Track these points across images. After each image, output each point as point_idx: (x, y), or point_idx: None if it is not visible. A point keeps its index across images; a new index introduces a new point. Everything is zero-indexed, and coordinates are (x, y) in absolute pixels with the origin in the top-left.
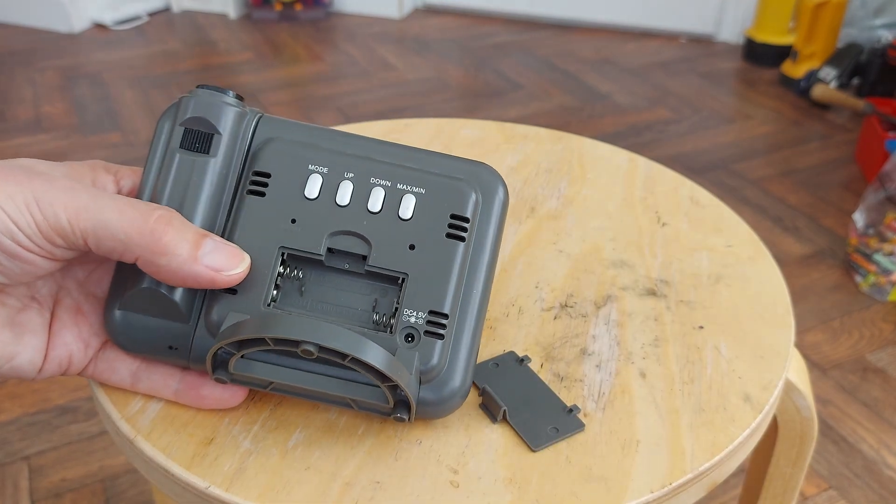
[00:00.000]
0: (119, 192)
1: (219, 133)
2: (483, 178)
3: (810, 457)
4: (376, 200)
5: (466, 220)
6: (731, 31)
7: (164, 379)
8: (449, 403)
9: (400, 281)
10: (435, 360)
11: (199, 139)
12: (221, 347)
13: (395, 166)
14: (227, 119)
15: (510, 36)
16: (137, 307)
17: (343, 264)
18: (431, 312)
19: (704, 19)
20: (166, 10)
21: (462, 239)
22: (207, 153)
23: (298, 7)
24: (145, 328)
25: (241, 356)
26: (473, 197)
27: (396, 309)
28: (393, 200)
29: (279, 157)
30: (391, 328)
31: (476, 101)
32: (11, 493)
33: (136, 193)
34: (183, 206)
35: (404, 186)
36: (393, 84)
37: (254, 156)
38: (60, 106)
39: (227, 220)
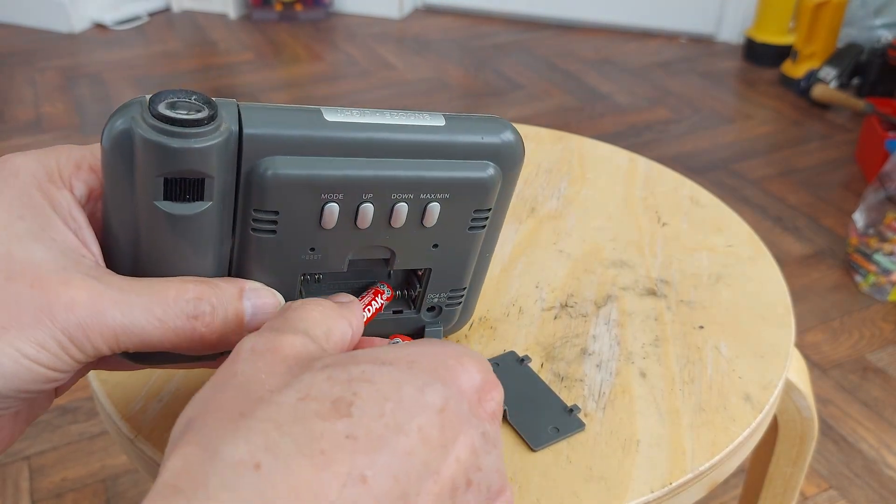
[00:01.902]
0: (79, 201)
1: (209, 176)
2: (501, 143)
3: (810, 456)
4: (400, 217)
5: (489, 209)
6: (732, 31)
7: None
8: (461, 328)
9: (421, 272)
10: (456, 320)
11: (185, 188)
12: None
13: (413, 167)
14: (213, 155)
15: (510, 36)
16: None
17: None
18: (452, 290)
19: (704, 19)
20: (166, 10)
21: (483, 227)
22: (201, 199)
23: (298, 7)
24: (167, 354)
25: None
26: (494, 177)
27: (419, 293)
28: (416, 211)
29: (284, 191)
30: (415, 305)
31: (476, 101)
32: (12, 492)
33: (109, 247)
34: (185, 262)
35: (428, 195)
36: (393, 84)
37: (250, 183)
38: (61, 106)
39: (234, 245)
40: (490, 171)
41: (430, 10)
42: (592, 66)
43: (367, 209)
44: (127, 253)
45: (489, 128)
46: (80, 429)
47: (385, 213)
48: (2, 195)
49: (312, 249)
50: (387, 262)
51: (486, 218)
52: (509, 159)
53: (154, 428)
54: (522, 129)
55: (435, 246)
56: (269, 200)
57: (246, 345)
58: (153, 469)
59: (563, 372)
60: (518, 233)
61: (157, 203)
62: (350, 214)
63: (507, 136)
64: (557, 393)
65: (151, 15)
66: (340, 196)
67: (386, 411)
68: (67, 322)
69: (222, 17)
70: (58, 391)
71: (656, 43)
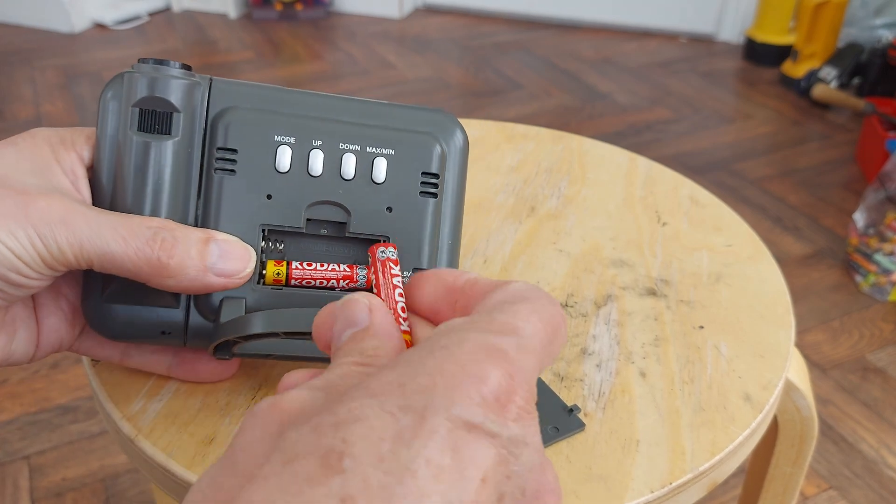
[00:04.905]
0: (84, 165)
1: (177, 111)
2: (443, 126)
3: (810, 457)
4: (349, 167)
5: (436, 175)
6: (732, 30)
7: (156, 354)
8: None
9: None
10: None
11: (156, 119)
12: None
13: (360, 126)
14: (183, 93)
15: (510, 36)
16: (123, 299)
17: (322, 230)
18: (415, 269)
19: (705, 19)
20: (167, 9)
21: (434, 195)
22: (168, 133)
23: (299, 7)
24: (133, 317)
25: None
26: (439, 150)
27: None
28: (365, 165)
29: (242, 130)
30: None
31: (476, 100)
32: (11, 492)
33: (95, 185)
34: (153, 196)
35: (374, 149)
36: (393, 83)
37: (214, 129)
38: (61, 105)
39: (199, 199)
40: (432, 137)
41: (430, 10)
42: (592, 66)
43: (317, 155)
44: (107, 190)
45: (434, 117)
46: (79, 428)
47: (335, 163)
48: (16, 146)
49: (269, 197)
50: (344, 225)
51: (436, 185)
52: (451, 140)
53: (154, 427)
54: (522, 128)
55: (389, 210)
56: (229, 137)
57: (252, 408)
58: (153, 469)
59: (563, 372)
60: (518, 232)
61: (130, 132)
62: (302, 159)
63: (449, 124)
64: (557, 393)
65: (152, 14)
66: (292, 139)
67: (384, 453)
68: (39, 220)
69: (222, 17)
70: (38, 349)
71: (656, 43)
